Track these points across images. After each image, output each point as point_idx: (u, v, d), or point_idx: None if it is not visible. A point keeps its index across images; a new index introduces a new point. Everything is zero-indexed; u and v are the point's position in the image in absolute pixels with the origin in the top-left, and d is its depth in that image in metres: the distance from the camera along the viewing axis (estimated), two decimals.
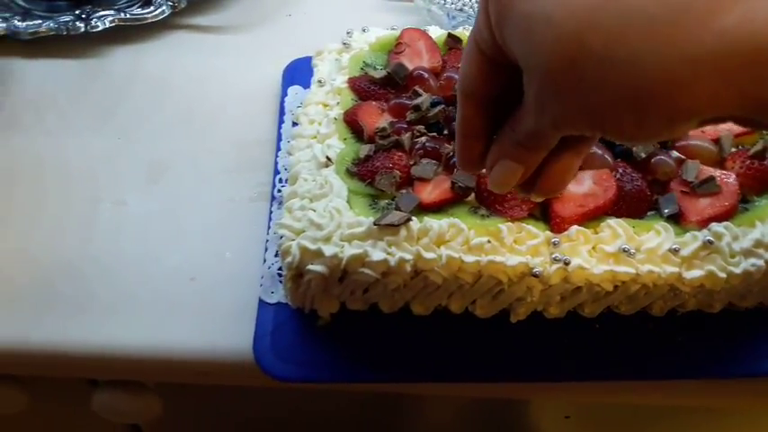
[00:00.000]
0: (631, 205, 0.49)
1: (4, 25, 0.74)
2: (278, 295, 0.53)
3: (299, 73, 0.68)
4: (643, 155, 0.50)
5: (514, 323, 0.51)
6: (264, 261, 0.55)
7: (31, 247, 0.59)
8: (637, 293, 0.48)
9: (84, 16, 0.73)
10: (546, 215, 0.48)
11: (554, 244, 0.47)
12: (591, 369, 0.50)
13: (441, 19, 0.69)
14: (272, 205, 0.59)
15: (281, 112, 0.66)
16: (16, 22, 0.74)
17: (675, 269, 0.47)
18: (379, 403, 0.68)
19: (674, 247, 0.47)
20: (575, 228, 0.47)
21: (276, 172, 0.61)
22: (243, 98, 0.70)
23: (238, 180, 0.64)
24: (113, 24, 0.74)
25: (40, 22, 0.74)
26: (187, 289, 0.56)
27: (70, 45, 0.74)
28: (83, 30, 0.73)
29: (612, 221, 0.47)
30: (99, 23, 0.73)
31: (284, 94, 0.67)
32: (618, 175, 0.49)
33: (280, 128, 0.65)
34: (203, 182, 0.64)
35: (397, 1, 0.78)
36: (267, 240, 0.57)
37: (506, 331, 0.51)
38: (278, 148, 0.63)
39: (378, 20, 0.77)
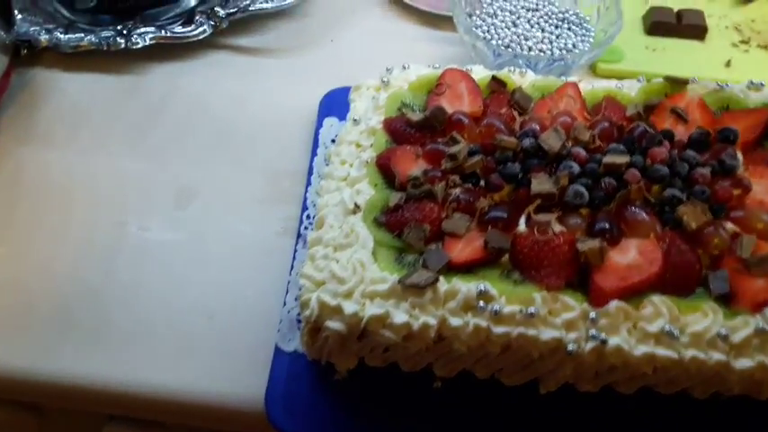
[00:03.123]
0: (678, 280, 0.45)
1: (47, 37, 0.73)
2: (295, 343, 0.51)
3: (336, 103, 0.66)
4: (694, 225, 0.46)
5: (543, 394, 0.48)
6: (285, 304, 0.53)
7: (54, 269, 0.58)
8: (678, 376, 0.45)
9: (125, 32, 0.73)
10: (585, 285, 0.45)
11: (591, 320, 0.43)
12: None
13: (486, 56, 0.66)
14: (297, 243, 0.57)
15: (315, 144, 0.64)
16: (59, 34, 0.73)
17: (723, 357, 0.43)
18: None
19: (722, 332, 0.43)
20: (615, 303, 0.43)
21: (304, 207, 0.60)
22: (278, 124, 0.69)
23: (267, 212, 0.62)
24: (153, 42, 0.73)
25: (82, 35, 0.73)
26: (204, 327, 0.55)
27: (110, 60, 0.74)
28: (123, 46, 0.72)
29: (656, 298, 0.44)
30: (139, 40, 0.72)
31: (319, 125, 0.65)
32: (665, 246, 0.46)
33: (312, 160, 0.63)
34: (231, 211, 0.62)
35: (441, 31, 0.76)
36: (289, 282, 0.55)
37: (534, 399, 0.48)
38: (308, 182, 0.61)
39: (421, 50, 0.75)
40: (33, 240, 0.60)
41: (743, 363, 0.43)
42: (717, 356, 0.43)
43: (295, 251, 0.57)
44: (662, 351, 0.43)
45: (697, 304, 0.44)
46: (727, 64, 0.72)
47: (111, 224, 0.61)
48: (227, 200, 0.63)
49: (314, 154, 0.63)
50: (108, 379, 0.52)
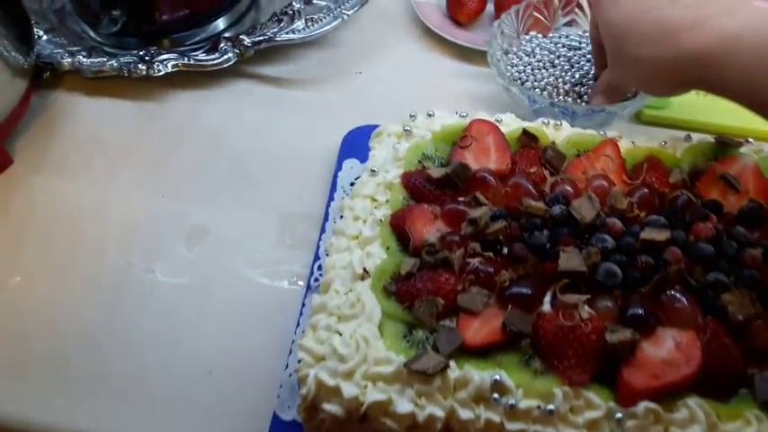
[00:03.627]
0: (719, 380, 0.40)
1: (69, 60, 0.72)
2: (294, 411, 0.48)
3: (358, 143, 0.62)
4: (740, 316, 0.41)
5: None
6: (287, 366, 0.50)
7: (55, 309, 0.56)
8: None
9: (147, 58, 0.71)
10: (612, 379, 0.40)
11: (617, 420, 0.39)
12: None
13: (520, 101, 0.61)
14: (306, 296, 0.54)
15: (333, 188, 0.60)
16: (82, 58, 0.72)
17: None
18: None
19: None
20: (644, 404, 0.39)
21: (316, 257, 0.56)
22: (297, 161, 0.65)
23: (278, 258, 0.59)
24: (176, 69, 0.70)
25: (105, 59, 0.71)
26: (203, 383, 0.52)
27: (132, 86, 0.72)
28: (144, 72, 0.70)
29: (692, 401, 0.39)
30: (161, 67, 0.70)
31: (339, 167, 0.62)
32: (706, 338, 0.41)
33: (328, 205, 0.59)
34: (241, 255, 0.59)
35: (477, 66, 0.72)
36: (293, 341, 0.51)
37: None
38: (322, 229, 0.58)
39: (454, 86, 0.71)
40: (37, 276, 0.58)
41: None
42: None
43: (303, 305, 0.53)
44: None
45: (739, 410, 0.39)
46: None
47: (117, 263, 0.59)
48: (237, 241, 0.60)
49: (331, 198, 0.60)
50: None
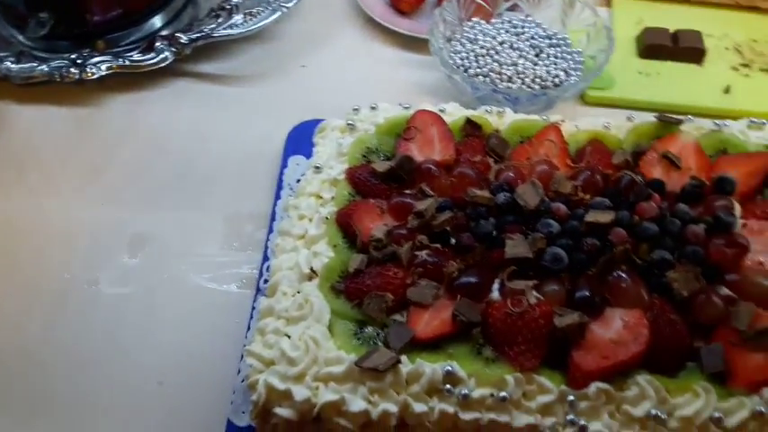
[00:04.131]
0: (666, 356, 0.40)
1: None
2: (249, 417, 0.46)
3: (303, 139, 0.61)
4: (685, 292, 0.42)
5: None
6: (239, 372, 0.49)
7: None
8: None
9: (79, 62, 0.68)
10: (563, 362, 0.40)
11: (570, 403, 0.39)
12: None
13: (463, 89, 0.61)
14: (255, 298, 0.53)
15: (279, 186, 0.59)
16: (9, 64, 0.69)
17: None
18: None
19: (715, 415, 0.39)
20: (595, 384, 0.39)
21: (265, 257, 0.55)
22: (241, 161, 0.64)
23: (227, 262, 0.57)
24: (110, 71, 0.68)
25: (35, 65, 0.68)
26: (154, 394, 0.50)
27: (65, 91, 0.69)
28: (78, 77, 0.67)
29: (642, 379, 0.39)
30: (95, 70, 0.68)
31: (284, 164, 0.60)
32: (653, 316, 0.41)
33: (275, 204, 0.58)
34: (188, 260, 0.57)
35: (421, 55, 0.71)
36: (244, 345, 0.50)
37: None
38: (270, 228, 0.57)
39: (399, 75, 0.70)
40: None
41: None
42: None
43: (253, 307, 0.52)
44: None
45: (687, 384, 0.40)
46: (726, 90, 0.67)
47: (58, 275, 0.57)
48: (183, 247, 0.58)
49: (277, 197, 0.59)
50: None
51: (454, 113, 0.53)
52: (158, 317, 0.54)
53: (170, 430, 0.48)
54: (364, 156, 0.50)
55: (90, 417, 0.49)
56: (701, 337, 0.41)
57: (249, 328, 0.51)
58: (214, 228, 0.60)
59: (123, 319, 0.54)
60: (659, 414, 0.38)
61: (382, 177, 0.48)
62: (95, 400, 0.50)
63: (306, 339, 0.41)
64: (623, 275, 0.42)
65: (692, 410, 0.39)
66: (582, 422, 0.38)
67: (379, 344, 0.41)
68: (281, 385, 0.39)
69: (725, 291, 0.42)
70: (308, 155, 0.58)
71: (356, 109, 0.54)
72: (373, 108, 0.54)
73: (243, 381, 0.48)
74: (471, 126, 0.51)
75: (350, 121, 0.53)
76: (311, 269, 0.44)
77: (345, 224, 0.46)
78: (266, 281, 0.53)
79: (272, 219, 0.57)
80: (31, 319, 0.54)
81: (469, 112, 0.53)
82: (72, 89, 0.69)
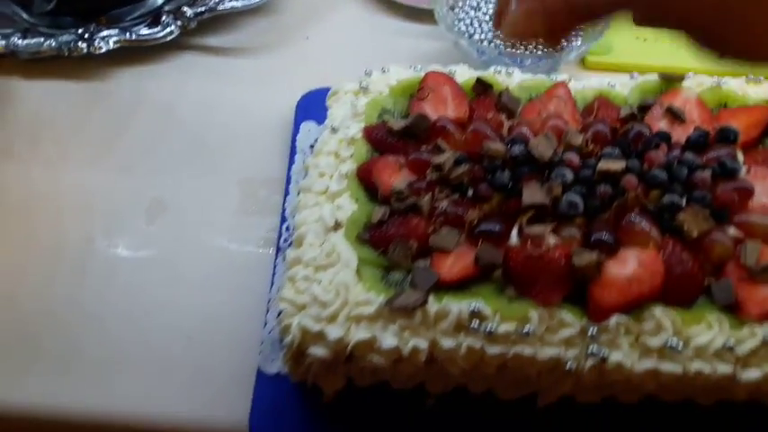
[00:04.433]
0: (680, 291, 0.43)
1: (3, 43, 0.69)
2: (278, 364, 0.48)
3: (313, 106, 0.62)
4: (695, 232, 0.44)
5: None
6: (265, 324, 0.50)
7: (18, 295, 0.54)
8: (681, 389, 0.43)
9: (86, 36, 0.69)
10: (582, 299, 0.42)
11: (591, 336, 0.41)
12: None
13: (469, 54, 0.63)
14: (277, 257, 0.54)
15: (292, 151, 0.61)
16: (16, 40, 0.69)
17: (729, 369, 0.41)
18: None
19: (728, 343, 0.41)
20: (615, 318, 0.41)
21: (283, 219, 0.56)
22: (253, 130, 0.65)
23: (244, 224, 0.59)
24: (117, 45, 0.69)
25: (42, 40, 0.69)
26: (183, 348, 0.51)
27: (72, 66, 0.69)
28: (85, 51, 0.68)
29: (658, 311, 0.41)
30: (102, 44, 0.68)
31: (296, 130, 0.62)
32: (665, 255, 0.43)
33: (290, 168, 0.60)
34: (205, 224, 0.59)
35: (425, 25, 0.73)
36: (269, 300, 0.52)
37: (532, 411, 0.45)
38: (286, 191, 0.58)
39: (403, 46, 0.72)
40: None
41: (750, 374, 0.41)
42: (723, 369, 0.41)
43: (275, 266, 0.54)
44: (666, 366, 0.41)
45: (701, 315, 0.42)
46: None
47: (78, 242, 0.57)
48: (200, 212, 0.60)
49: (291, 161, 0.60)
50: (80, 409, 0.49)
51: (464, 74, 0.54)
52: (181, 278, 0.55)
53: (200, 382, 0.49)
54: (380, 116, 0.52)
55: (121, 372, 0.50)
56: (711, 274, 0.44)
57: (273, 284, 0.52)
58: (229, 193, 0.61)
59: (146, 280, 0.55)
60: (676, 344, 0.41)
61: (399, 135, 0.50)
62: (124, 356, 0.51)
63: (336, 284, 0.42)
64: (636, 218, 0.44)
65: (706, 339, 0.41)
66: (603, 353, 0.40)
67: (406, 287, 0.43)
68: (314, 326, 0.41)
69: (732, 231, 0.45)
70: (320, 121, 0.60)
71: (368, 72, 0.55)
72: (385, 71, 0.55)
73: (270, 332, 0.49)
74: (482, 85, 0.53)
75: (363, 84, 0.54)
76: (336, 221, 0.46)
77: (366, 179, 0.48)
78: (286, 240, 0.55)
79: (288, 182, 0.59)
80: (55, 282, 0.55)
81: (479, 73, 0.54)
82: (80, 64, 0.69)
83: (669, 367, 0.41)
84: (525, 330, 0.41)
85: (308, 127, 0.62)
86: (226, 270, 0.56)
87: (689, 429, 0.45)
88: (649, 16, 0.28)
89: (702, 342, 0.41)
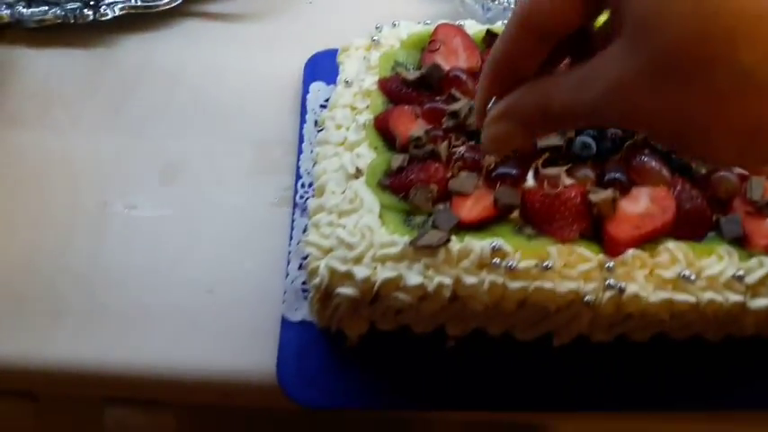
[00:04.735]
0: (690, 226, 0.44)
1: (8, 12, 0.69)
2: (302, 312, 0.49)
3: (321, 67, 0.63)
4: (703, 170, 0.46)
5: (556, 346, 0.48)
6: (287, 275, 0.52)
7: (37, 258, 0.55)
8: (694, 321, 0.44)
9: (92, 3, 0.69)
10: (598, 236, 0.44)
11: (608, 269, 0.43)
12: (640, 397, 0.46)
13: (475, 11, 0.64)
14: (294, 212, 0.55)
15: (303, 111, 0.62)
16: (21, 8, 0.69)
17: (739, 298, 0.43)
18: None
19: (738, 273, 0.43)
20: (630, 251, 0.43)
21: (298, 176, 0.58)
22: (261, 93, 0.66)
23: (258, 183, 0.60)
24: (123, 12, 0.69)
25: (47, 8, 0.69)
26: (204, 302, 0.53)
27: (78, 34, 0.70)
28: (91, 18, 0.68)
29: (671, 244, 0.43)
30: (108, 11, 0.69)
31: (306, 91, 0.63)
32: (676, 193, 0.45)
33: (301, 128, 0.61)
34: (220, 185, 0.60)
35: None
36: (290, 252, 0.53)
37: (547, 354, 0.48)
38: (300, 151, 0.59)
39: (405, 10, 0.72)
40: (12, 228, 0.57)
41: (759, 302, 0.43)
42: (733, 298, 0.43)
43: (293, 220, 0.55)
44: (679, 296, 0.42)
45: (712, 248, 0.44)
46: None
47: (95, 204, 0.58)
48: (214, 173, 0.60)
49: (303, 121, 0.61)
50: (107, 361, 0.50)
51: (473, 28, 0.56)
52: (199, 235, 0.56)
53: (226, 332, 0.51)
54: (392, 69, 0.53)
55: (144, 325, 0.51)
56: (719, 209, 0.46)
57: (292, 238, 0.53)
58: (242, 154, 0.62)
59: (164, 238, 0.56)
60: (689, 275, 0.42)
61: (413, 86, 0.51)
62: (147, 310, 0.52)
63: (360, 227, 0.44)
64: (647, 158, 0.46)
65: (717, 270, 0.43)
66: (620, 285, 0.42)
67: (428, 229, 0.44)
68: (342, 267, 0.42)
69: (738, 168, 0.46)
70: (328, 82, 0.61)
71: (379, 27, 0.56)
72: (395, 26, 0.56)
73: (292, 282, 0.51)
74: (491, 37, 0.54)
75: (374, 38, 0.55)
76: (357, 168, 0.47)
77: (383, 128, 0.49)
78: (302, 197, 0.56)
79: (301, 141, 0.60)
80: (75, 242, 0.56)
81: (486, 27, 0.56)
82: (85, 31, 0.70)
83: (683, 297, 0.43)
84: (545, 265, 0.42)
85: (317, 87, 0.63)
86: (243, 227, 0.57)
87: (696, 374, 0.47)
88: (619, 127, 0.31)
89: (713, 272, 0.43)
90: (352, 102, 0.52)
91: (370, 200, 0.45)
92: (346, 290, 0.42)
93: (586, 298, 0.42)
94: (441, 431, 0.65)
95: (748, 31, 0.24)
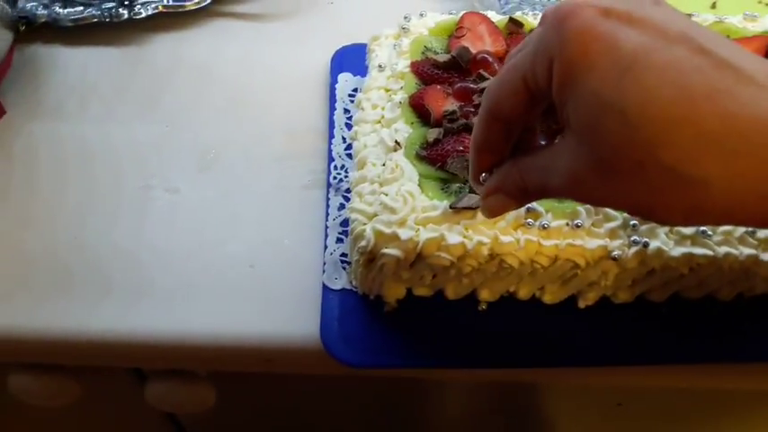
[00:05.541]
0: None
1: (45, 12, 0.73)
2: (341, 282, 0.53)
3: (347, 60, 0.67)
4: None
5: (581, 309, 0.51)
6: (326, 248, 0.55)
7: (85, 237, 0.58)
8: (710, 276, 0.48)
9: (127, 3, 0.73)
10: None
11: (632, 227, 0.46)
12: (662, 353, 0.50)
13: (492, 4, 0.68)
14: (328, 192, 0.59)
15: (333, 100, 0.65)
16: (57, 8, 0.73)
17: (752, 251, 0.46)
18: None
19: (750, 228, 0.46)
20: None
21: (330, 159, 0.61)
22: (290, 86, 0.69)
23: (290, 168, 0.63)
24: (156, 11, 0.73)
25: (82, 8, 0.73)
26: (247, 276, 0.56)
27: (112, 32, 0.73)
28: (126, 17, 0.72)
29: None
30: (142, 10, 0.72)
31: (334, 81, 0.66)
32: None
33: (332, 115, 0.64)
34: (255, 170, 0.63)
35: None
36: (327, 227, 0.56)
37: (572, 316, 0.51)
38: (331, 135, 0.63)
39: (422, 6, 0.76)
40: (58, 215, 0.59)
41: None
42: (747, 251, 0.46)
43: (328, 199, 0.58)
44: (698, 250, 0.46)
45: None
46: (713, 6, 0.76)
47: (137, 189, 0.61)
48: (249, 159, 0.64)
49: (332, 109, 0.65)
50: (154, 332, 0.53)
51: (495, 17, 0.59)
52: (237, 216, 0.59)
53: (266, 303, 0.54)
54: (423, 53, 0.57)
55: (189, 298, 0.54)
56: None
57: (328, 215, 0.57)
58: (276, 142, 0.65)
59: (206, 218, 0.59)
60: (706, 230, 0.46)
61: (443, 68, 0.55)
62: (191, 284, 0.55)
63: (402, 194, 0.47)
64: None
65: (731, 226, 0.46)
66: (644, 240, 0.46)
67: (465, 193, 0.47)
68: (387, 230, 0.46)
69: None
70: (356, 73, 0.65)
71: (407, 17, 0.60)
72: (422, 15, 0.60)
73: (331, 254, 0.54)
74: (514, 24, 0.58)
75: (403, 26, 0.59)
76: (396, 141, 0.50)
77: (418, 106, 0.53)
78: (335, 177, 0.59)
79: (331, 127, 0.63)
80: (119, 222, 0.59)
81: (508, 16, 0.60)
82: (119, 30, 0.73)
83: (701, 251, 0.46)
84: (575, 223, 0.46)
85: (344, 77, 0.66)
86: (279, 208, 0.60)
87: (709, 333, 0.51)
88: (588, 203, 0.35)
89: (728, 227, 0.46)
90: (386, 84, 0.55)
91: (410, 170, 0.49)
92: (392, 251, 0.45)
93: (614, 253, 0.46)
94: (452, 391, 0.69)
95: (665, 138, 0.28)
